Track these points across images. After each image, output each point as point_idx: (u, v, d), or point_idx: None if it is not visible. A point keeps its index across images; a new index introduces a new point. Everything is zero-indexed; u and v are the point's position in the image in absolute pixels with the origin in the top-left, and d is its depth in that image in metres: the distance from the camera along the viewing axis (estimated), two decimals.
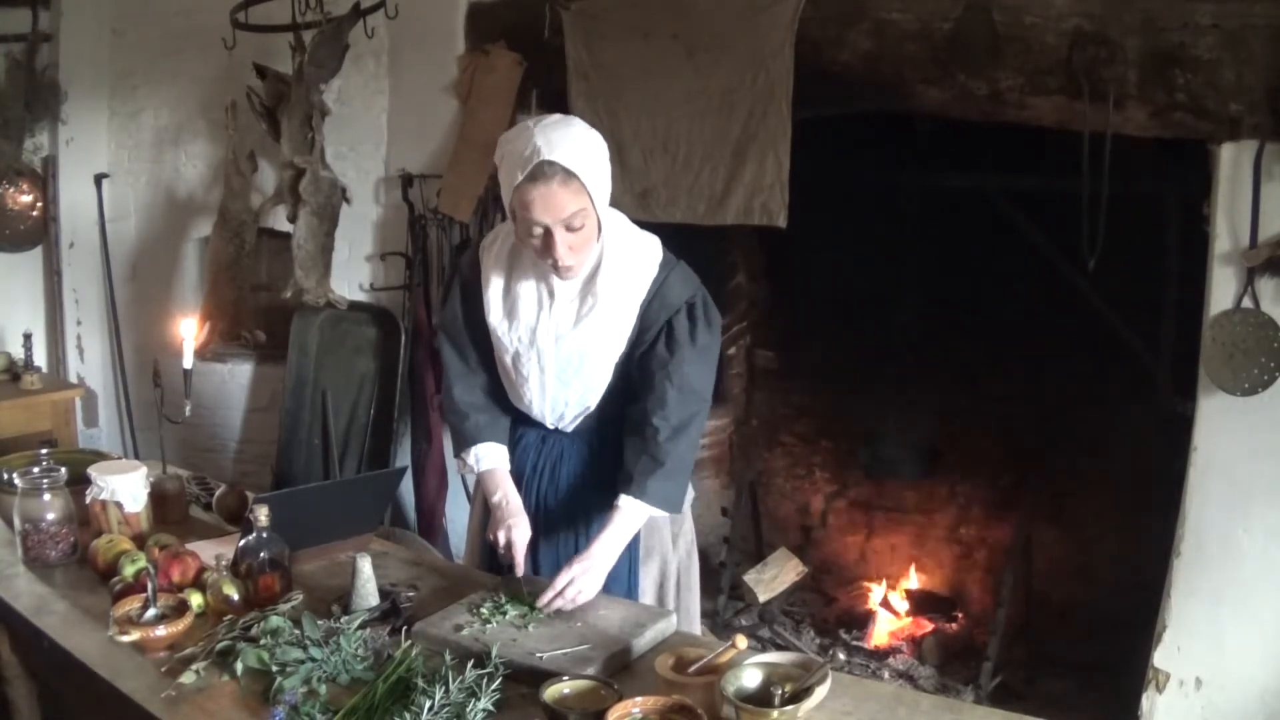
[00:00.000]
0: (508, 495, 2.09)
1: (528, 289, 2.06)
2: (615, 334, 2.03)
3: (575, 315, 2.02)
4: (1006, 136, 3.08)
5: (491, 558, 2.23)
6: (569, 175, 1.84)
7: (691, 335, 2.02)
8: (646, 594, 2.17)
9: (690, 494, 2.20)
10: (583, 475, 2.14)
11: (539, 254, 1.94)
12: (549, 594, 1.87)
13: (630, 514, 1.98)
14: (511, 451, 2.18)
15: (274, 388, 4.45)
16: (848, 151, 3.74)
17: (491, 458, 2.13)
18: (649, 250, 2.06)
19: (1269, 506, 2.68)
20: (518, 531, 2.03)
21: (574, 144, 1.86)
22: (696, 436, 2.06)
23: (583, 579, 1.88)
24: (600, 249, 1.99)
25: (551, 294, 2.03)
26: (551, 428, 2.15)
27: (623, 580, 2.10)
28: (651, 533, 2.15)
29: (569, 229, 1.88)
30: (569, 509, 2.14)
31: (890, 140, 3.70)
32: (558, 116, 1.94)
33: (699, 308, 2.04)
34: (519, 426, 2.20)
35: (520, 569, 1.99)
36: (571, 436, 2.15)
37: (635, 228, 2.09)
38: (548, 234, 1.88)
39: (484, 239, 2.20)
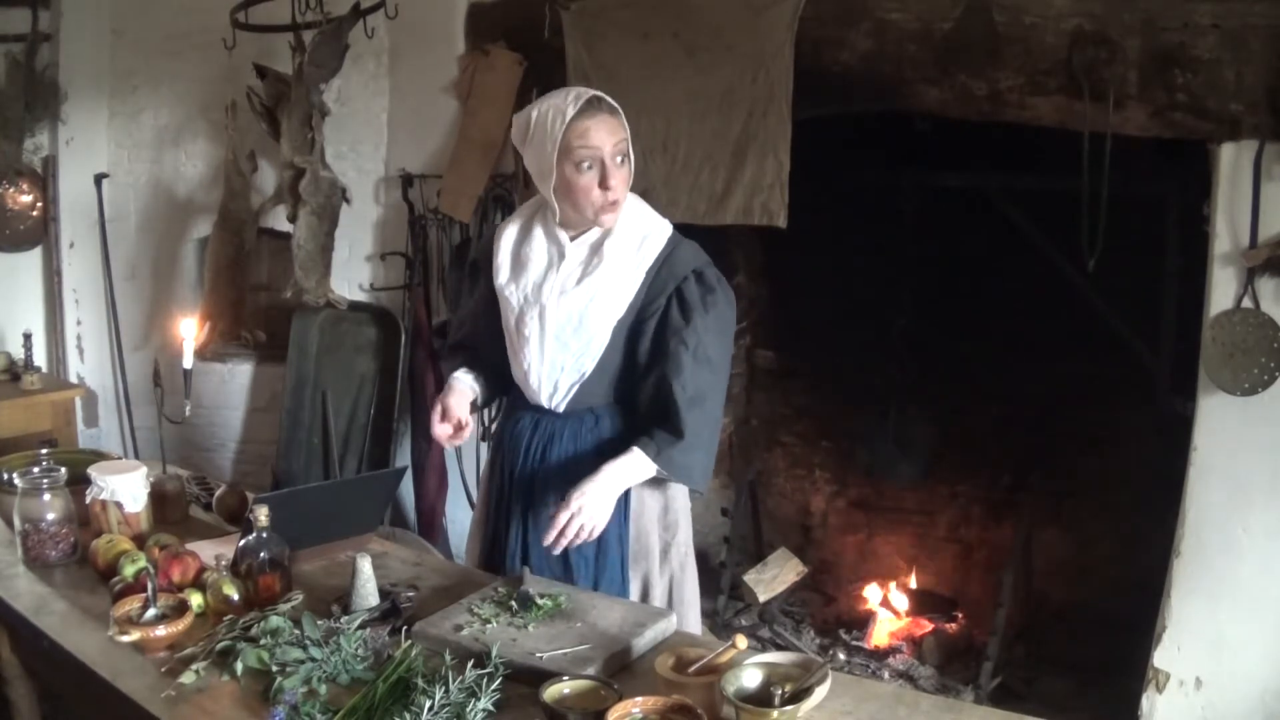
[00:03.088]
0: (454, 381, 2.21)
1: (539, 251, 2.11)
2: (618, 294, 2.05)
3: (581, 273, 2.06)
4: (1006, 136, 3.08)
5: (490, 558, 2.25)
6: (615, 110, 2.00)
7: (704, 301, 2.05)
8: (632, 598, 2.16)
9: (684, 500, 2.21)
10: (574, 457, 2.12)
11: (587, 195, 2.00)
12: (552, 534, 1.91)
13: (638, 460, 1.99)
14: (506, 435, 2.21)
15: (274, 388, 4.45)
16: (848, 151, 3.73)
17: (461, 376, 2.22)
18: (660, 225, 2.12)
19: (1269, 506, 2.68)
20: (452, 397, 2.16)
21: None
22: (715, 413, 2.06)
23: (587, 511, 1.92)
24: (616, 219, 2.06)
25: (562, 254, 2.08)
26: (547, 406, 2.14)
27: (616, 580, 2.11)
28: (639, 537, 2.15)
29: (618, 163, 1.99)
30: (560, 491, 2.11)
31: (890, 140, 3.70)
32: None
33: (710, 276, 2.08)
34: (515, 411, 2.22)
35: (445, 433, 2.13)
36: (564, 419, 2.14)
37: (649, 207, 2.15)
38: (603, 166, 1.97)
39: (501, 221, 2.27)
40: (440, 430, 2.14)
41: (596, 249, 2.06)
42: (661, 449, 1.99)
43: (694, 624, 2.27)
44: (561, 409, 2.14)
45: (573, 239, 2.08)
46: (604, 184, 1.97)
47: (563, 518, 1.92)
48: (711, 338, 2.04)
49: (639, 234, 2.08)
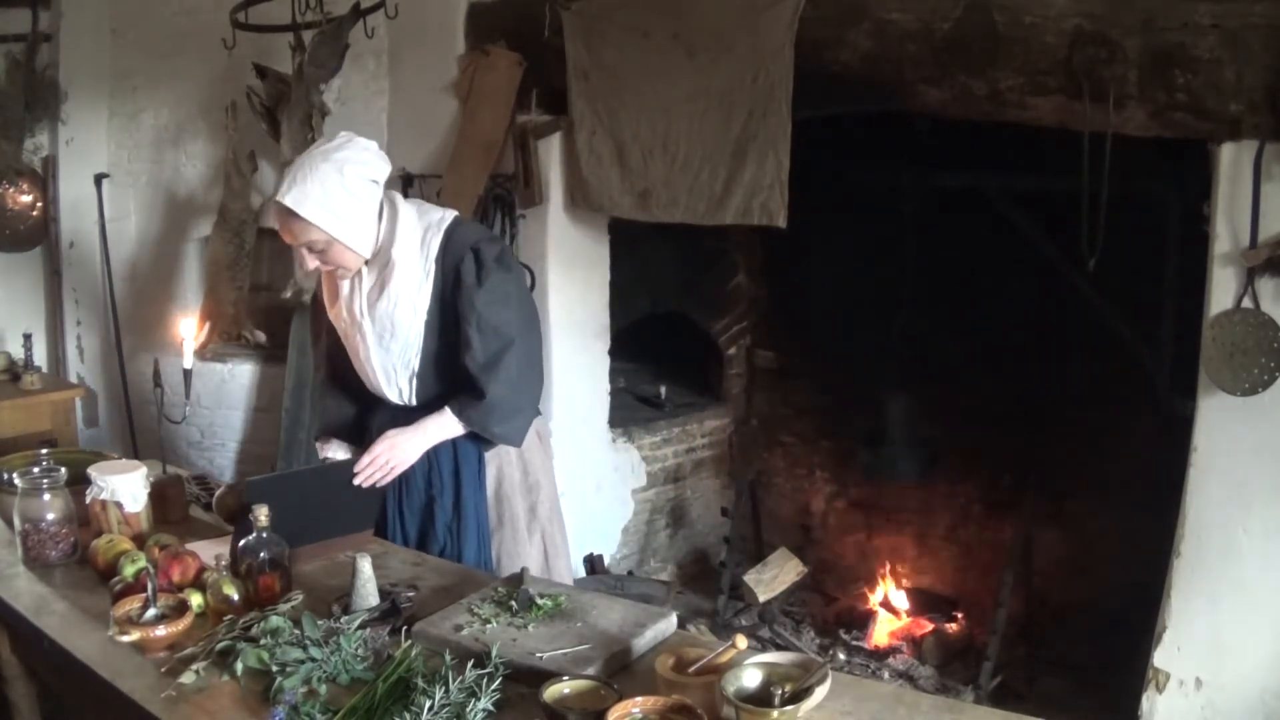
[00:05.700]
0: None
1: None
2: (416, 292, 2.24)
3: (381, 285, 2.25)
4: (1006, 136, 3.08)
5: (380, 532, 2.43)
6: (294, 215, 2.14)
7: (478, 276, 2.23)
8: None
9: (541, 460, 2.42)
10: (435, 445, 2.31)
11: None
12: (363, 464, 2.21)
13: (446, 418, 2.25)
14: (374, 427, 2.35)
15: (274, 388, 4.45)
16: (847, 151, 3.73)
17: (332, 455, 2.50)
18: (439, 216, 2.30)
19: (1269, 506, 2.68)
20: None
21: (309, 188, 2.12)
22: (513, 374, 2.24)
23: (393, 451, 2.22)
24: (395, 229, 2.23)
25: (359, 273, 2.27)
26: (401, 403, 2.33)
27: (473, 546, 2.32)
28: (498, 504, 2.36)
29: (310, 249, 2.19)
30: (424, 470, 2.31)
31: (890, 140, 3.70)
32: (320, 153, 2.16)
33: (484, 251, 2.26)
34: (375, 410, 2.39)
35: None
36: (420, 409, 2.30)
37: (433, 206, 2.34)
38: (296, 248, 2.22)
39: None
40: None
41: (386, 257, 2.23)
42: (464, 408, 2.24)
43: (564, 569, 2.48)
44: (414, 402, 2.33)
45: (366, 260, 2.25)
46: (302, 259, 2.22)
47: (371, 454, 2.21)
48: (493, 309, 2.22)
49: (420, 231, 2.25)
